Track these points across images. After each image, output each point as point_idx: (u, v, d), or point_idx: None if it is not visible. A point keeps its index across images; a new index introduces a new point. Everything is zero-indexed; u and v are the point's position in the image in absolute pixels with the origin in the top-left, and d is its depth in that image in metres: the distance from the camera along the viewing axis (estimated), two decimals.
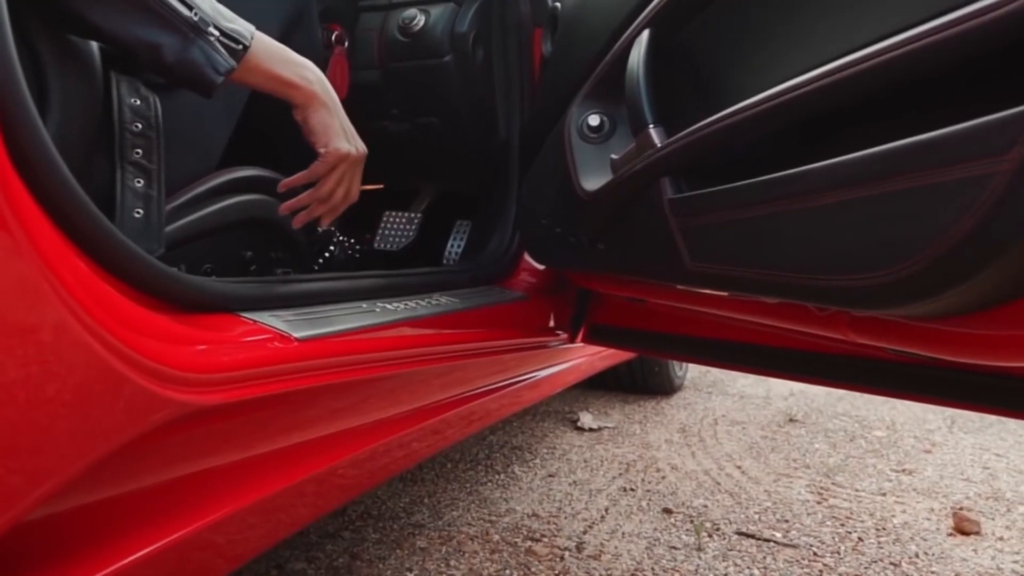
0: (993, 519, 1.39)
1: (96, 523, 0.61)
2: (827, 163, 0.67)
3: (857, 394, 2.70)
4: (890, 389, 0.93)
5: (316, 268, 1.29)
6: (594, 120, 1.18)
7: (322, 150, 0.91)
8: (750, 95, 0.78)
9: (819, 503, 1.45)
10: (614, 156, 1.07)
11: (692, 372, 3.04)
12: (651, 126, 0.96)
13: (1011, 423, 2.30)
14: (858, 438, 2.02)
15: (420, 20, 1.42)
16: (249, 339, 0.76)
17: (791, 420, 2.21)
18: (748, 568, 1.13)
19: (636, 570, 1.11)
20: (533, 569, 1.11)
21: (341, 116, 0.93)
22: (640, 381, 2.45)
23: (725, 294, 0.98)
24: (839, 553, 1.20)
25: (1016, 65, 0.55)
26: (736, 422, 2.16)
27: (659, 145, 0.94)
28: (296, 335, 0.79)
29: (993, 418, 2.37)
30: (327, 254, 1.31)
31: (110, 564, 0.60)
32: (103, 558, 0.60)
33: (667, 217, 0.94)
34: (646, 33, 1.02)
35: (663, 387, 2.49)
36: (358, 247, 1.48)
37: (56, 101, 0.78)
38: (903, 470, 1.71)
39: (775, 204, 0.75)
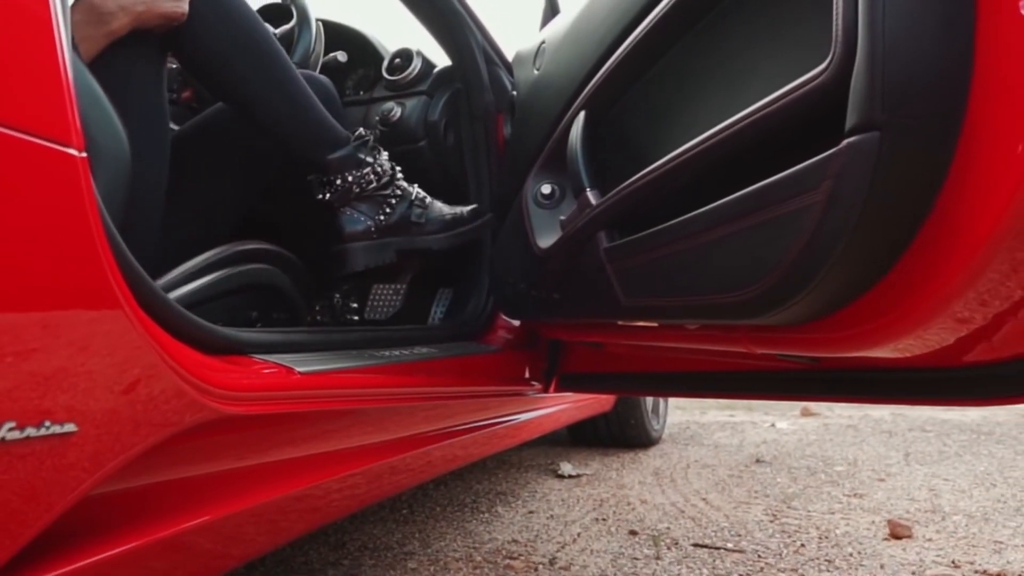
0: (927, 526, 1.55)
1: (141, 505, 0.78)
2: (706, 208, 0.87)
3: (827, 438, 2.86)
4: (792, 394, 1.11)
5: (316, 319, 1.46)
6: (546, 189, 1.39)
7: None
8: (664, 156, 0.98)
9: (771, 522, 1.60)
10: (562, 218, 1.28)
11: (671, 428, 3.20)
12: (588, 189, 1.17)
13: (966, 455, 2.46)
14: (819, 472, 2.17)
15: (397, 111, 1.65)
16: (260, 371, 0.94)
17: (758, 461, 2.36)
18: (699, 570, 1.29)
19: (601, 575, 1.27)
20: None
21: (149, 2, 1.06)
22: (618, 433, 2.60)
23: (656, 324, 1.17)
24: (781, 555, 1.36)
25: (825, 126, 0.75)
26: (707, 465, 2.31)
27: (594, 204, 1.14)
28: (298, 369, 0.97)
29: (951, 451, 2.53)
30: (319, 307, 1.48)
31: (138, 539, 0.77)
32: (141, 533, 0.77)
33: (604, 263, 1.13)
34: (582, 113, 1.24)
35: (640, 439, 2.64)
36: (355, 306, 1.66)
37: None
38: (854, 495, 1.86)
39: (677, 243, 0.95)
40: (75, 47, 0.97)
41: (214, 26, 1.13)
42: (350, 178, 1.28)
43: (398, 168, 1.37)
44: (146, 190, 1.09)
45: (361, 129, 1.33)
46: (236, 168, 1.34)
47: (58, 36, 0.58)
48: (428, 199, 1.40)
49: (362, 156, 1.29)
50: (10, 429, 0.52)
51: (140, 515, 0.81)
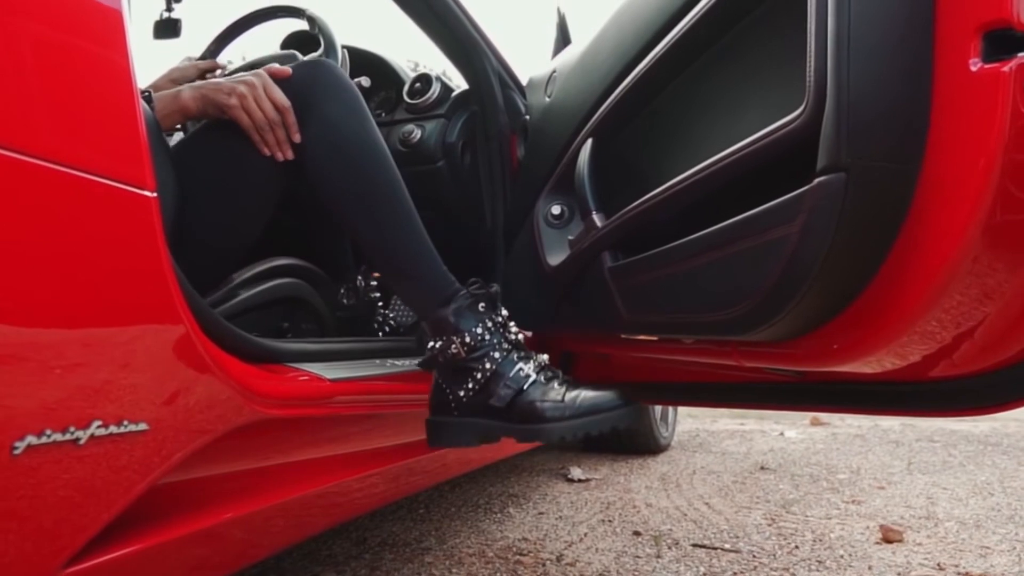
0: (918, 532, 1.62)
1: (185, 498, 0.88)
2: (698, 234, 0.97)
3: (833, 447, 2.92)
4: (785, 404, 1.19)
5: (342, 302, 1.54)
6: (556, 209, 1.48)
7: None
8: (664, 183, 1.07)
9: (770, 525, 1.68)
10: (570, 237, 1.37)
11: (681, 435, 3.28)
12: (594, 212, 1.26)
13: (969, 465, 2.52)
14: (821, 480, 2.25)
15: (417, 133, 1.75)
16: (296, 378, 1.04)
17: (763, 468, 2.44)
18: (696, 568, 1.37)
19: (604, 572, 1.36)
20: (520, 573, 1.35)
21: (210, 89, 1.17)
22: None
23: (655, 338, 1.26)
24: (775, 556, 1.44)
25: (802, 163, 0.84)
26: (712, 472, 2.39)
27: (600, 226, 1.23)
28: (328, 376, 1.06)
29: (955, 461, 2.60)
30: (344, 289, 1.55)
31: (207, 522, 0.87)
32: (186, 523, 0.87)
33: (608, 281, 1.22)
34: (589, 140, 1.33)
35: (648, 446, 2.72)
36: (377, 295, 1.71)
37: None
38: (853, 501, 1.94)
39: (673, 265, 1.04)
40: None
41: (320, 167, 1.16)
42: (437, 344, 1.14)
43: (511, 331, 1.16)
44: (202, 230, 1.20)
45: (482, 288, 1.17)
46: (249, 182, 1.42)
47: (136, 93, 0.68)
48: (532, 380, 1.10)
49: (455, 321, 1.12)
50: (98, 427, 0.62)
51: (184, 507, 0.91)
